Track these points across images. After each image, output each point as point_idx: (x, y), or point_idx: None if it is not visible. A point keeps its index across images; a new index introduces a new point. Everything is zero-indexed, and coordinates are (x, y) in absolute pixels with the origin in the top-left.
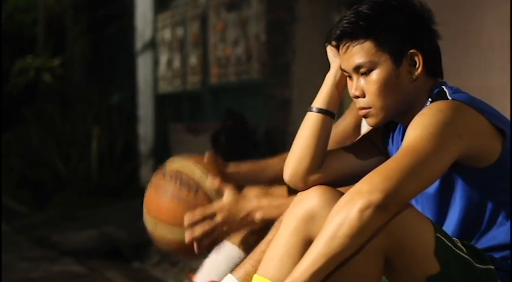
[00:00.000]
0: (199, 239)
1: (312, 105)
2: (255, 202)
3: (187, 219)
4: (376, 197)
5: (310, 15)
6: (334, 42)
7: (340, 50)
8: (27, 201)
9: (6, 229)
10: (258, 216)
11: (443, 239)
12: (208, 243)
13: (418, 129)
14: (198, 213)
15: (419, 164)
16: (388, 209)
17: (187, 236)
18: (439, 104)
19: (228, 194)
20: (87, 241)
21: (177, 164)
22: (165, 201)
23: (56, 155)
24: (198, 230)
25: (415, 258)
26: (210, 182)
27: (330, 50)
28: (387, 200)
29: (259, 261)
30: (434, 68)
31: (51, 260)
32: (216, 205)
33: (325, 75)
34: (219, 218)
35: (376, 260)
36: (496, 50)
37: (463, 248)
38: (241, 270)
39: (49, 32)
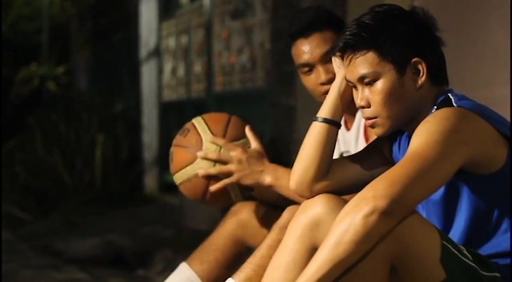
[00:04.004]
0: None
1: (317, 115)
2: (272, 168)
3: (200, 155)
4: (381, 203)
5: None
6: (338, 53)
7: (344, 61)
8: (31, 209)
9: (10, 237)
10: (267, 180)
11: (449, 246)
12: (220, 186)
13: (424, 136)
14: (212, 154)
15: (424, 170)
16: (393, 215)
17: (202, 172)
18: (444, 111)
19: (255, 145)
20: (92, 249)
21: (194, 120)
22: (173, 154)
23: (60, 163)
24: (213, 170)
25: (421, 266)
26: (211, 137)
27: (335, 61)
28: (392, 206)
29: (259, 266)
30: (438, 75)
31: (55, 268)
32: (239, 151)
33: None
34: (237, 168)
35: (382, 267)
36: (501, 60)
37: (469, 256)
38: (242, 274)
39: (53, 40)
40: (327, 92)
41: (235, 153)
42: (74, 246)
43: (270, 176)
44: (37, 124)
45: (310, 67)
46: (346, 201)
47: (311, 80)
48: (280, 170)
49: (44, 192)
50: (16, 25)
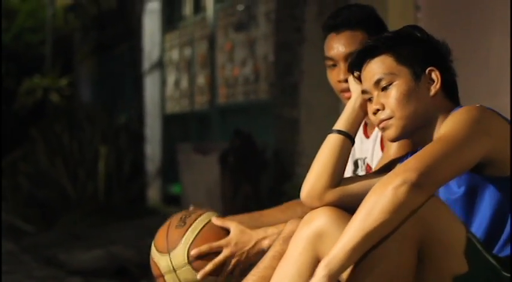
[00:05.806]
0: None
1: (333, 127)
2: (262, 231)
3: (194, 252)
4: (410, 175)
5: (318, 36)
6: (356, 73)
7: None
8: (35, 220)
9: (13, 248)
10: (266, 243)
11: (474, 241)
12: (222, 275)
13: (450, 123)
14: (204, 248)
15: (451, 150)
16: (422, 187)
17: (200, 274)
18: (466, 108)
19: (233, 228)
20: (95, 260)
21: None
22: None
23: (63, 175)
24: (209, 266)
25: (445, 255)
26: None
27: (352, 79)
28: (422, 178)
29: (262, 277)
30: (452, 90)
31: (58, 279)
32: (223, 240)
33: (334, 96)
34: (226, 252)
35: (408, 249)
36: (504, 70)
37: (492, 255)
38: None
39: (57, 52)
40: (344, 90)
41: (222, 242)
42: (77, 257)
43: (266, 240)
44: (40, 135)
45: (334, 62)
46: (348, 214)
47: (332, 75)
48: (270, 229)
49: (47, 203)
50: (20, 37)
